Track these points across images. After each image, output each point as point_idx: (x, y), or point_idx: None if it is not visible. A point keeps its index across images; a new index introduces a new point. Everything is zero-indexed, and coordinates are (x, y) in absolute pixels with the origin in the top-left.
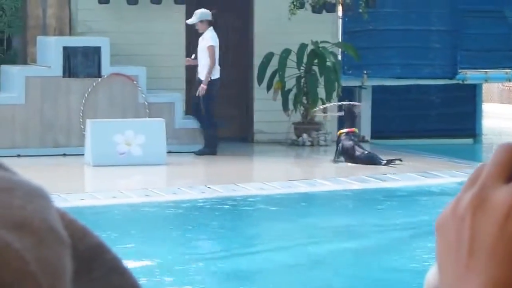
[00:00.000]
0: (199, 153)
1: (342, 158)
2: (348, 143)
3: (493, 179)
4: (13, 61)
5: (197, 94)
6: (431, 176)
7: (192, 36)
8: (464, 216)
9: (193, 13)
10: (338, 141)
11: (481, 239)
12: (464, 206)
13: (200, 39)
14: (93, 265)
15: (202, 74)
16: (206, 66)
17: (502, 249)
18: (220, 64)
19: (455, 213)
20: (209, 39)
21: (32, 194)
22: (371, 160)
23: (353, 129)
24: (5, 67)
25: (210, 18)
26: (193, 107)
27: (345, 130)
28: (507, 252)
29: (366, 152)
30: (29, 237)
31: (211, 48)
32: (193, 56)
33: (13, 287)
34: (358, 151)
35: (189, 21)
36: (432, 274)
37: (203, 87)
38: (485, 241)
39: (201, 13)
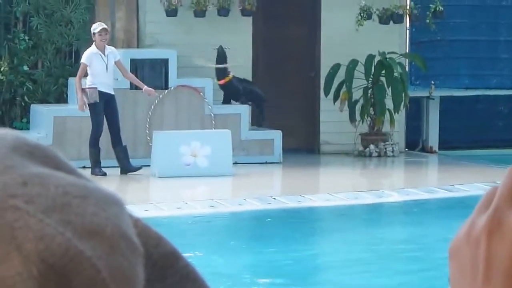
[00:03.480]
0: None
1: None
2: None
3: (507, 201)
4: None
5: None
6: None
7: (259, 48)
8: (479, 240)
9: (259, 24)
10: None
11: (497, 263)
12: (479, 230)
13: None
14: (166, 273)
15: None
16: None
17: None
18: (285, 75)
19: (469, 238)
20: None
21: (105, 201)
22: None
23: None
24: (73, 80)
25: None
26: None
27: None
28: None
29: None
30: (101, 245)
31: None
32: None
33: None
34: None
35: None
36: None
37: None
38: (501, 266)
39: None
